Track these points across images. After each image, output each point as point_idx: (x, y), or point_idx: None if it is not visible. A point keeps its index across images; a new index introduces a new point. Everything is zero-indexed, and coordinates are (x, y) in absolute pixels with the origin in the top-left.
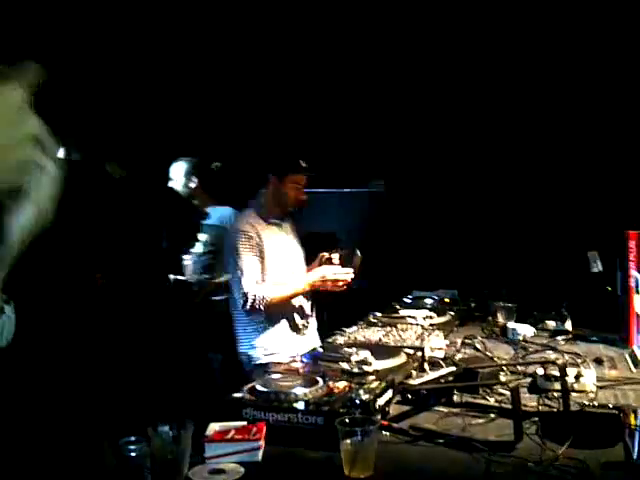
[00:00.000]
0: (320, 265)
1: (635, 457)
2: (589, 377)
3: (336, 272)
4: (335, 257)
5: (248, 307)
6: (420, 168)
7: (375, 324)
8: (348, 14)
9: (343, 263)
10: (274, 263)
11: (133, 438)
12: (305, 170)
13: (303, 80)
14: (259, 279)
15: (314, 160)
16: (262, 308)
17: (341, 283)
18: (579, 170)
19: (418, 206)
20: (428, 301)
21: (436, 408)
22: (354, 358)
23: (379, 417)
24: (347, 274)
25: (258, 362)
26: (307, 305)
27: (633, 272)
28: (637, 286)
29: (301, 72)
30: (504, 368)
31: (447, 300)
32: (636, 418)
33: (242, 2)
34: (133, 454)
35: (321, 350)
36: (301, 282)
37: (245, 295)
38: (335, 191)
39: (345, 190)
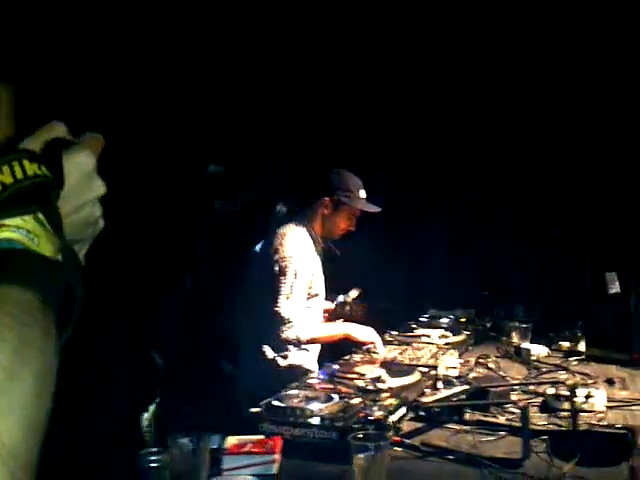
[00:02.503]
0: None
1: None
2: (599, 397)
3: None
4: (349, 301)
5: (284, 336)
6: (431, 180)
7: (391, 342)
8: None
9: (355, 308)
10: (311, 288)
11: (153, 449)
12: (365, 203)
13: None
14: (303, 308)
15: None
16: (300, 340)
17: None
18: (599, 190)
19: (432, 223)
20: (444, 320)
21: (447, 425)
22: (369, 375)
23: (391, 433)
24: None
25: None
26: None
27: None
28: None
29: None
30: (515, 387)
31: (463, 319)
32: None
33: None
34: (153, 465)
35: (337, 367)
36: (342, 328)
37: (290, 325)
38: None
39: None
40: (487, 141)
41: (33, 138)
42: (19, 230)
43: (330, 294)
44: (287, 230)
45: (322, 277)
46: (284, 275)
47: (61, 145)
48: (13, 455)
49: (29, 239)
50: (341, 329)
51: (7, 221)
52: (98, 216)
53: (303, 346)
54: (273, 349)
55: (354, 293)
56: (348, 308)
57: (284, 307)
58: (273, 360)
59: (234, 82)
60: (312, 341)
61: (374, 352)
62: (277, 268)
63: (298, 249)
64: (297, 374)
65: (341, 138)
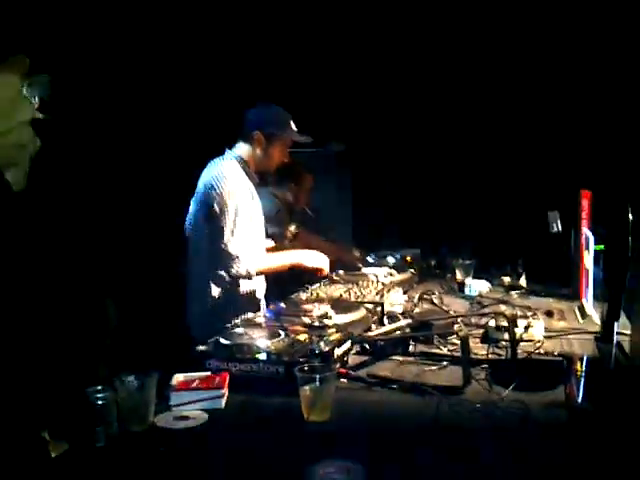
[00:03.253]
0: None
1: (574, 400)
2: (537, 328)
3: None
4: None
5: (234, 272)
6: (381, 128)
7: (337, 282)
8: None
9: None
10: (252, 226)
11: (100, 387)
12: (296, 133)
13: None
14: (248, 242)
15: None
16: (250, 274)
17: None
18: (541, 130)
19: (381, 166)
20: (390, 260)
21: (392, 358)
22: (315, 312)
23: (337, 366)
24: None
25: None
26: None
27: (584, 230)
28: (587, 243)
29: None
30: (458, 320)
31: (408, 259)
32: (580, 365)
33: None
34: (100, 402)
35: (283, 305)
36: (291, 257)
37: (236, 259)
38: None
39: (305, 150)
40: (430, 79)
41: None
42: None
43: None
44: (222, 168)
45: (261, 214)
46: (225, 212)
47: None
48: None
49: None
50: (290, 257)
51: None
52: (29, 139)
53: (248, 285)
54: (220, 286)
55: (293, 227)
56: (287, 242)
57: (230, 243)
58: (219, 298)
59: None
60: (262, 272)
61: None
62: (217, 206)
63: (236, 185)
64: (243, 311)
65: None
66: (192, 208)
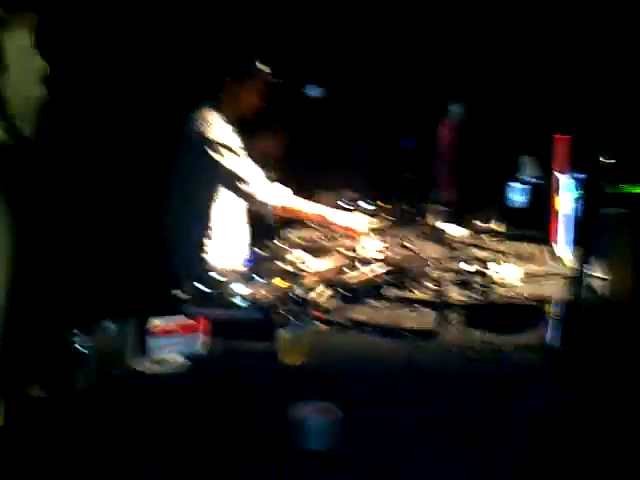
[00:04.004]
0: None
1: (547, 342)
2: (511, 272)
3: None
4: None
5: (245, 189)
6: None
7: (311, 227)
8: None
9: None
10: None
11: (78, 331)
12: (267, 76)
13: None
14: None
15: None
16: (267, 204)
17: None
18: (513, 75)
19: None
20: (363, 205)
21: (367, 302)
22: (290, 257)
23: (313, 310)
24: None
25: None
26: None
27: (556, 173)
28: (558, 187)
29: None
30: (431, 265)
31: (381, 203)
32: (550, 308)
33: None
34: (79, 346)
35: (262, 253)
36: (328, 213)
37: (245, 180)
38: None
39: None
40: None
41: None
42: None
43: None
44: (205, 114)
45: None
46: (220, 153)
47: None
48: None
49: None
50: (324, 210)
51: None
52: (39, 93)
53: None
54: (206, 236)
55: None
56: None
57: (235, 169)
58: (203, 244)
59: None
60: (289, 212)
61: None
62: (210, 150)
63: (222, 129)
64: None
65: None
66: (182, 158)
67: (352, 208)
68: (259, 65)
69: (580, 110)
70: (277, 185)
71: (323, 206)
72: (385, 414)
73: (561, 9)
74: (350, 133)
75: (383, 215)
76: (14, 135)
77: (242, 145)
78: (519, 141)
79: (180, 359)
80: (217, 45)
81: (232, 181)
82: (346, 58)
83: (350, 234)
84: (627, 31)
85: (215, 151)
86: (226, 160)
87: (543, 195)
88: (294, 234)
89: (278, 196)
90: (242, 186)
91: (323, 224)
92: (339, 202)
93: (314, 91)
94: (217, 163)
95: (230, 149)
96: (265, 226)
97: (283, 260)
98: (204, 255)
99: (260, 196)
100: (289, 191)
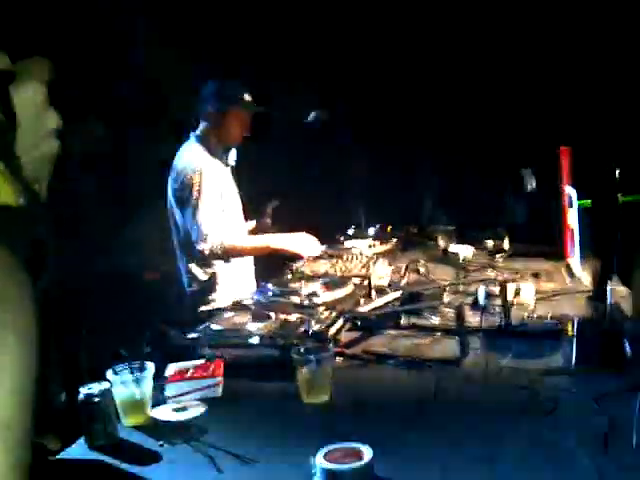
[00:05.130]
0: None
1: (573, 363)
2: (528, 291)
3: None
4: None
5: (200, 248)
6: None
7: (321, 257)
8: None
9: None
10: (223, 204)
11: (94, 385)
12: (250, 104)
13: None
14: (219, 221)
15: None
16: (219, 253)
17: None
18: (511, 89)
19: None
20: (371, 231)
21: (385, 332)
22: (304, 291)
23: (332, 345)
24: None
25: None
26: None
27: (566, 188)
28: (570, 201)
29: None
30: (446, 289)
31: (389, 228)
32: (572, 327)
33: None
34: (97, 399)
35: (270, 286)
36: (272, 240)
37: (205, 238)
38: None
39: None
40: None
41: None
42: None
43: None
44: (183, 149)
45: (234, 190)
46: (190, 190)
47: (7, 79)
48: (6, 426)
49: None
50: (271, 240)
51: None
52: (56, 151)
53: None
54: (197, 265)
55: (274, 203)
56: (268, 220)
57: (196, 219)
58: (197, 282)
59: None
60: (233, 251)
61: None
62: (181, 186)
63: (197, 164)
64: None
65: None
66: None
67: (357, 235)
68: (242, 95)
69: (583, 121)
70: (221, 227)
71: (265, 236)
72: (416, 449)
73: (566, 19)
74: (351, 159)
75: (392, 240)
76: (31, 199)
77: (225, 178)
78: (522, 154)
79: (199, 405)
80: (200, 77)
81: (187, 220)
82: (347, 85)
83: (300, 257)
84: (633, 43)
85: (183, 187)
86: (190, 197)
87: (548, 209)
88: (305, 267)
89: (219, 243)
90: (195, 242)
91: (272, 253)
92: (347, 231)
93: (313, 117)
94: (184, 198)
95: (198, 187)
96: (276, 259)
97: (296, 293)
98: (209, 292)
99: (206, 251)
100: (231, 231)
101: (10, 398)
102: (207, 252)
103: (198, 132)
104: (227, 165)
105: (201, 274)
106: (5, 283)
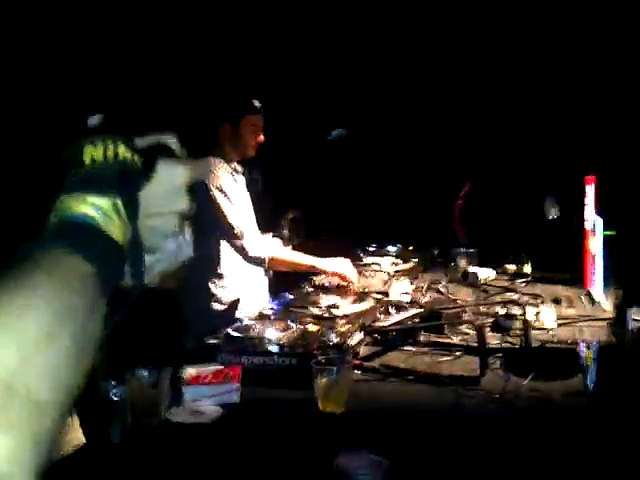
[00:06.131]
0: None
1: (592, 387)
2: (548, 315)
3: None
4: (286, 223)
5: (239, 243)
6: (371, 115)
7: None
8: None
9: (293, 228)
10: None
11: (113, 382)
12: (260, 110)
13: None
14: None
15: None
16: (261, 258)
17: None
18: (535, 118)
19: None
20: (391, 249)
21: (404, 348)
22: (324, 303)
23: (351, 357)
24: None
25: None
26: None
27: (590, 215)
28: (594, 228)
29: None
30: (467, 310)
31: (410, 248)
32: (592, 352)
33: None
34: (114, 397)
35: (290, 297)
36: (318, 262)
37: (241, 234)
38: None
39: None
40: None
41: (142, 138)
42: (97, 209)
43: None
44: (207, 162)
45: (250, 203)
46: (216, 202)
47: (164, 151)
48: (41, 411)
49: (104, 220)
50: (313, 260)
51: (88, 197)
52: (172, 230)
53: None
54: (215, 283)
55: (292, 215)
56: (285, 232)
57: (231, 220)
58: (214, 295)
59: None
60: (278, 263)
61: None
62: (206, 199)
63: (218, 177)
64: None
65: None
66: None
67: (377, 252)
68: (251, 102)
69: (610, 149)
70: (267, 237)
71: (309, 256)
72: (431, 464)
73: (592, 47)
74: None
75: (413, 259)
76: (133, 250)
77: (244, 192)
78: (544, 182)
79: (216, 409)
80: (208, 91)
81: (227, 233)
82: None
83: (341, 280)
84: None
85: (214, 201)
86: (223, 211)
87: (571, 236)
88: (326, 280)
89: (268, 249)
90: (235, 241)
91: (314, 272)
92: (368, 247)
93: (335, 132)
94: (216, 212)
95: (229, 199)
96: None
97: (315, 304)
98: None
99: (252, 251)
100: (279, 242)
101: (50, 388)
102: (242, 248)
103: (215, 147)
104: (242, 175)
105: (222, 293)
106: (80, 296)
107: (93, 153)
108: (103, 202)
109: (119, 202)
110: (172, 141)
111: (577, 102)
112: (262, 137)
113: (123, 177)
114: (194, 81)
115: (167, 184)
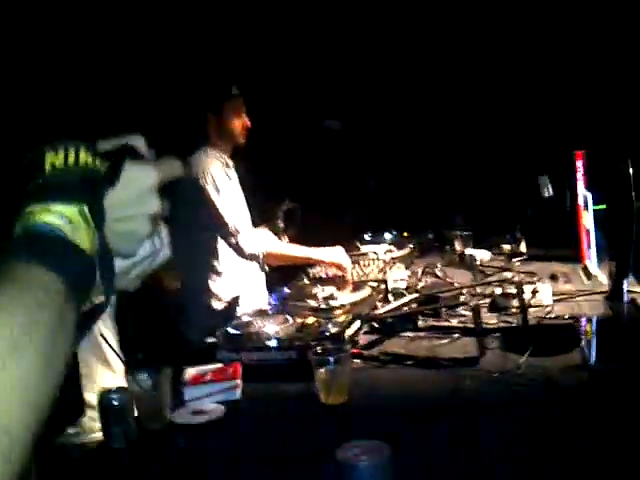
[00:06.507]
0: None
1: (591, 361)
2: (545, 292)
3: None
4: (281, 215)
5: (234, 241)
6: (367, 104)
7: None
8: None
9: (288, 219)
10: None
11: (114, 388)
12: (239, 94)
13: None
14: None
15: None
16: (256, 254)
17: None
18: (526, 94)
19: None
20: (387, 236)
21: (403, 334)
22: (320, 295)
23: (349, 346)
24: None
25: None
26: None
27: (581, 190)
28: (586, 204)
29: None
30: (464, 291)
31: (406, 234)
32: (591, 326)
33: None
34: (115, 403)
35: (287, 290)
36: (313, 253)
37: (236, 231)
38: None
39: None
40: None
41: (107, 141)
42: (62, 217)
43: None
44: (199, 157)
45: (243, 199)
46: (210, 199)
47: (130, 153)
48: (6, 431)
49: (70, 229)
50: (309, 251)
51: (52, 206)
52: (146, 233)
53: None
54: (214, 281)
55: (287, 205)
56: (280, 223)
57: (226, 218)
58: (214, 293)
59: None
60: (274, 256)
61: (342, 274)
62: (200, 197)
63: (207, 169)
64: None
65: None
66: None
67: (374, 240)
68: (227, 87)
69: (598, 124)
70: (261, 231)
71: (303, 247)
72: (435, 448)
73: (581, 22)
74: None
75: (409, 245)
76: (103, 257)
77: (237, 187)
78: (538, 158)
79: (218, 408)
80: (185, 86)
81: (222, 231)
82: (359, 93)
83: (337, 269)
84: None
85: (207, 199)
86: (217, 209)
87: (565, 212)
88: (322, 271)
89: (263, 244)
90: (230, 238)
91: (310, 263)
92: (365, 235)
93: (332, 124)
94: (210, 210)
95: (222, 196)
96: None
97: (313, 297)
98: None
99: (248, 249)
100: (272, 237)
101: (17, 405)
102: (238, 245)
103: (204, 140)
104: (232, 168)
105: (221, 291)
106: (48, 309)
107: (54, 159)
108: (68, 210)
109: (85, 208)
110: (139, 142)
111: (566, 75)
112: (247, 121)
113: (86, 183)
114: (169, 78)
115: (136, 186)
